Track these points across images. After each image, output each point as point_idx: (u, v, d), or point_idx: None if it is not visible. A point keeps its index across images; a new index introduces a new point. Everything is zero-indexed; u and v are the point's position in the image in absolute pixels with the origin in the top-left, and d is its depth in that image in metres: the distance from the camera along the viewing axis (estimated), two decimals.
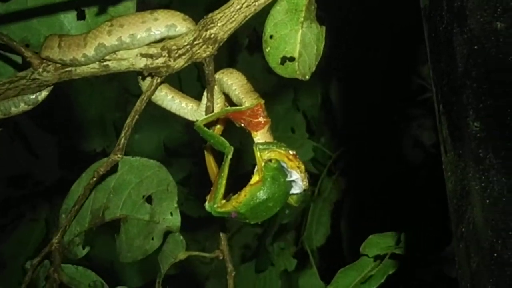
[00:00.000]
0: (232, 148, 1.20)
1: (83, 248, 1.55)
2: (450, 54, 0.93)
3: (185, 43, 1.23)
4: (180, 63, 1.24)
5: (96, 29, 1.24)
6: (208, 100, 1.33)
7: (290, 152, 1.20)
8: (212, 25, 1.22)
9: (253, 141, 1.24)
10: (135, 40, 1.22)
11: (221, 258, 1.51)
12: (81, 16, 1.35)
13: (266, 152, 1.20)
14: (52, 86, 1.35)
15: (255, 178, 1.19)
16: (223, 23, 1.21)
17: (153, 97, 1.35)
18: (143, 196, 1.52)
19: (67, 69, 1.29)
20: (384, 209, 3.14)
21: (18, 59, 1.39)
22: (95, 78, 3.34)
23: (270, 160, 1.19)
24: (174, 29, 1.23)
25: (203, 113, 1.34)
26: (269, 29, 1.23)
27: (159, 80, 1.29)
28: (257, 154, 1.19)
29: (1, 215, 4.09)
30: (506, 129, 0.85)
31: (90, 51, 1.24)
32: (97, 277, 1.52)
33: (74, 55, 1.25)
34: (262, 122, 1.24)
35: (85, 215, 1.52)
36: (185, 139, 3.47)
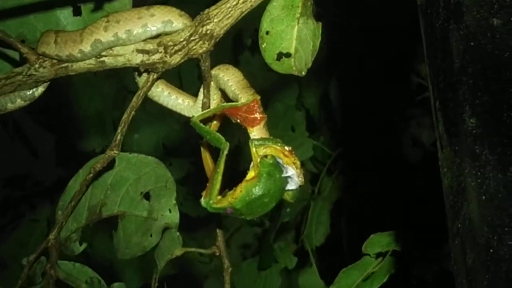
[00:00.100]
0: (228, 144, 1.20)
1: (80, 245, 1.55)
2: (446, 50, 0.92)
3: (182, 39, 1.23)
4: (176, 59, 1.24)
5: (93, 25, 1.24)
6: (204, 96, 1.33)
7: (286, 148, 1.20)
8: (208, 21, 1.22)
9: (249, 137, 1.24)
10: (132, 36, 1.22)
11: (217, 254, 1.51)
12: (77, 12, 1.35)
13: (262, 148, 1.21)
14: (48, 82, 1.35)
15: (250, 174, 1.19)
16: (220, 19, 1.21)
17: (149, 93, 1.35)
18: (141, 193, 1.52)
19: (63, 65, 1.29)
20: (383, 208, 3.14)
21: (15, 55, 1.39)
22: (93, 76, 3.35)
23: (265, 156, 1.19)
24: (170, 25, 1.23)
25: (200, 109, 1.34)
26: (265, 25, 1.23)
27: (155, 76, 1.29)
28: (253, 150, 1.20)
29: (0, 215, 4.09)
30: (502, 125, 0.85)
31: (87, 47, 1.24)
32: (94, 273, 1.52)
33: (70, 51, 1.25)
34: (258, 118, 1.24)
35: (82, 211, 1.52)
36: (184, 139, 3.47)
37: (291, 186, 1.22)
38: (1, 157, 4.01)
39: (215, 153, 1.26)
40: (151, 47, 1.24)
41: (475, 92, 0.88)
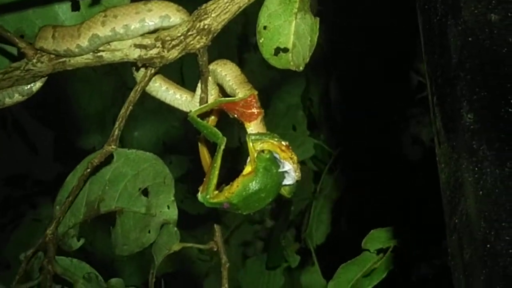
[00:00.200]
0: (225, 138, 1.20)
1: (78, 240, 1.55)
2: (444, 46, 0.92)
3: (179, 34, 1.23)
4: (174, 54, 1.24)
5: (90, 19, 1.24)
6: (202, 91, 1.33)
7: (283, 143, 1.20)
8: (205, 16, 1.21)
9: (246, 132, 1.24)
10: (129, 31, 1.22)
11: (215, 249, 1.51)
12: (75, 7, 1.35)
13: (259, 143, 1.20)
14: (46, 77, 1.35)
15: (247, 169, 1.19)
16: (217, 14, 1.21)
17: (147, 88, 1.35)
18: (139, 189, 1.51)
19: (61, 60, 1.29)
20: (383, 208, 3.14)
21: (13, 50, 1.39)
22: (93, 73, 3.34)
23: (262, 151, 1.19)
24: (168, 20, 1.23)
25: (197, 104, 1.34)
26: (262, 20, 1.23)
27: (153, 71, 1.29)
28: (250, 144, 1.19)
29: (0, 215, 4.09)
30: (500, 120, 0.85)
31: (84, 42, 1.23)
32: (91, 269, 1.52)
33: (68, 46, 1.24)
34: (255, 113, 1.24)
35: (80, 207, 1.52)
36: (184, 137, 3.47)
37: (288, 181, 1.22)
38: (0, 157, 4.02)
39: (212, 148, 1.26)
40: (149, 42, 1.24)
41: (473, 88, 0.88)
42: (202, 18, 1.22)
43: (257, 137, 1.21)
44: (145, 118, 3.45)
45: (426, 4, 0.96)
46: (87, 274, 1.49)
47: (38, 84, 1.36)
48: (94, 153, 1.41)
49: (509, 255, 0.82)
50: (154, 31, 1.25)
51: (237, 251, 3.88)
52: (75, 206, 1.50)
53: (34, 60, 1.28)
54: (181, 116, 1.44)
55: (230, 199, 1.19)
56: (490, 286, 0.83)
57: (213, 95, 1.35)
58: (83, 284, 1.48)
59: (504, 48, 0.86)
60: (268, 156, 1.18)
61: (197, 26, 1.22)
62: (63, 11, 1.35)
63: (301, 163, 3.36)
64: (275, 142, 1.20)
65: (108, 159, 1.44)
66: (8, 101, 1.37)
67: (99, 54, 1.26)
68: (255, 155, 1.18)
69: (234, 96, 1.26)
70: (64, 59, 1.28)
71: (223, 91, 1.34)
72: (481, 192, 0.85)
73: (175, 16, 1.24)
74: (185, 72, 3.13)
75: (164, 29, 1.25)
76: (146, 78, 1.30)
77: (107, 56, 1.26)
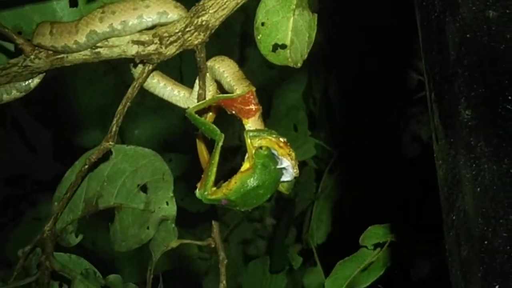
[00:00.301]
0: (223, 135, 1.20)
1: (76, 236, 1.55)
2: (442, 42, 0.92)
3: (177, 30, 1.23)
4: (171, 50, 1.24)
5: (88, 16, 1.24)
6: (200, 87, 1.33)
7: (281, 139, 1.20)
8: (203, 12, 1.21)
9: (244, 129, 1.24)
10: (127, 27, 1.22)
11: (213, 246, 1.51)
12: (73, 3, 1.35)
13: (257, 139, 1.20)
14: (44, 73, 1.35)
15: (245, 165, 1.19)
16: (215, 10, 1.21)
17: (145, 84, 1.35)
18: (138, 185, 1.52)
19: (58, 56, 1.28)
20: (384, 207, 3.13)
21: (11, 47, 1.39)
22: (93, 72, 3.33)
23: (260, 148, 1.18)
24: (165, 16, 1.23)
25: (195, 101, 1.34)
26: (260, 16, 1.23)
27: (151, 67, 1.29)
28: (248, 141, 1.19)
29: (1, 214, 4.09)
30: (498, 117, 0.85)
31: (82, 38, 1.23)
32: (89, 265, 1.52)
33: (65, 42, 1.24)
34: (253, 109, 1.23)
35: (78, 203, 1.52)
36: (184, 135, 3.46)
37: (286, 177, 1.22)
38: (0, 157, 4.01)
39: (210, 145, 1.25)
40: (147, 38, 1.24)
41: (471, 84, 0.88)
42: (200, 14, 1.22)
43: (255, 133, 1.21)
44: (146, 116, 3.44)
45: (424, 1, 0.96)
46: (84, 271, 1.49)
47: (35, 81, 1.36)
48: (92, 149, 1.41)
49: (506, 251, 0.82)
50: (152, 27, 1.25)
51: (237, 249, 3.88)
52: (74, 202, 1.51)
53: (32, 57, 1.28)
54: (182, 114, 1.44)
55: (228, 195, 1.19)
56: (488, 282, 0.83)
57: (211, 92, 1.35)
58: (81, 280, 1.48)
59: (502, 45, 0.86)
60: (266, 152, 1.18)
61: (195, 22, 1.22)
62: (61, 7, 1.35)
63: (303, 164, 3.36)
64: (273, 139, 1.20)
65: (107, 156, 1.45)
66: (6, 97, 1.37)
67: (97, 50, 1.26)
68: (253, 151, 1.18)
69: (232, 93, 1.26)
70: (62, 55, 1.28)
71: (221, 88, 1.34)
72: (478, 189, 0.85)
73: (173, 13, 1.24)
74: (184, 69, 3.13)
75: (162, 25, 1.25)
76: (144, 75, 1.30)
77: (105, 52, 1.26)
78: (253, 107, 1.23)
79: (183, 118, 1.25)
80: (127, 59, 1.28)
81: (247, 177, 1.18)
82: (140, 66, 1.31)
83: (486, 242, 0.84)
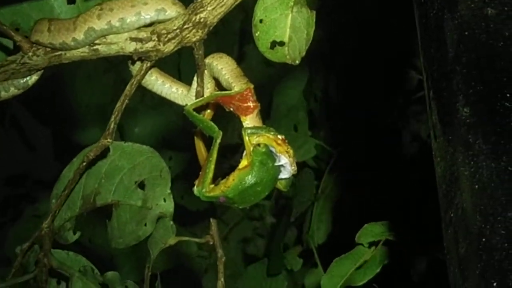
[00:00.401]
0: (221, 132, 1.20)
1: (74, 233, 1.55)
2: (440, 40, 0.92)
3: (175, 27, 1.23)
4: (169, 47, 1.24)
5: (86, 13, 1.24)
6: (198, 84, 1.32)
7: (279, 136, 1.20)
8: (201, 9, 1.21)
9: (242, 126, 1.24)
10: (125, 24, 1.22)
11: (211, 243, 1.51)
12: (71, 0, 1.35)
13: (255, 136, 1.20)
14: (42, 70, 1.35)
15: (243, 162, 1.19)
16: (213, 7, 1.21)
17: (143, 81, 1.35)
18: (136, 182, 1.52)
19: (57, 53, 1.28)
20: (384, 207, 3.13)
21: (9, 44, 1.39)
22: (93, 70, 3.33)
23: (258, 145, 1.18)
24: (163, 13, 1.23)
25: (193, 98, 1.34)
26: (259, 13, 1.23)
27: (149, 64, 1.29)
28: (246, 138, 1.19)
29: (1, 214, 4.09)
30: (496, 114, 0.85)
31: (80, 35, 1.23)
32: (87, 262, 1.52)
33: (63, 39, 1.24)
34: (251, 106, 1.23)
35: (76, 200, 1.52)
36: (184, 133, 3.45)
37: (284, 175, 1.21)
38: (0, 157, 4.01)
39: (208, 142, 1.25)
40: (145, 35, 1.24)
41: (469, 82, 0.88)
42: (198, 11, 1.21)
43: (253, 130, 1.21)
44: (146, 114, 3.44)
45: None
46: (82, 268, 1.49)
47: (34, 78, 1.36)
48: (90, 146, 1.41)
49: (504, 249, 0.82)
50: (150, 24, 1.25)
51: (236, 248, 3.87)
52: (71, 199, 1.51)
53: (30, 54, 1.28)
54: (180, 111, 1.44)
55: (226, 193, 1.19)
56: (485, 279, 0.83)
57: (209, 89, 1.35)
58: (79, 277, 1.48)
59: (501, 42, 0.86)
60: (264, 150, 1.18)
61: (193, 19, 1.22)
62: (58, 4, 1.35)
63: (303, 164, 3.35)
64: (271, 136, 1.20)
65: (104, 153, 1.44)
66: (3, 94, 1.37)
67: (95, 47, 1.26)
68: (251, 148, 1.18)
69: (230, 90, 1.26)
70: (59, 52, 1.28)
71: (219, 85, 1.34)
72: (476, 186, 0.85)
73: (171, 10, 1.23)
74: (182, 67, 3.12)
75: (160, 22, 1.25)
76: (142, 72, 1.30)
77: (103, 49, 1.26)
78: (251, 104, 1.23)
79: (182, 116, 1.25)
80: (125, 56, 1.28)
81: (245, 174, 1.18)
82: (138, 63, 1.31)
83: (484, 240, 0.84)
